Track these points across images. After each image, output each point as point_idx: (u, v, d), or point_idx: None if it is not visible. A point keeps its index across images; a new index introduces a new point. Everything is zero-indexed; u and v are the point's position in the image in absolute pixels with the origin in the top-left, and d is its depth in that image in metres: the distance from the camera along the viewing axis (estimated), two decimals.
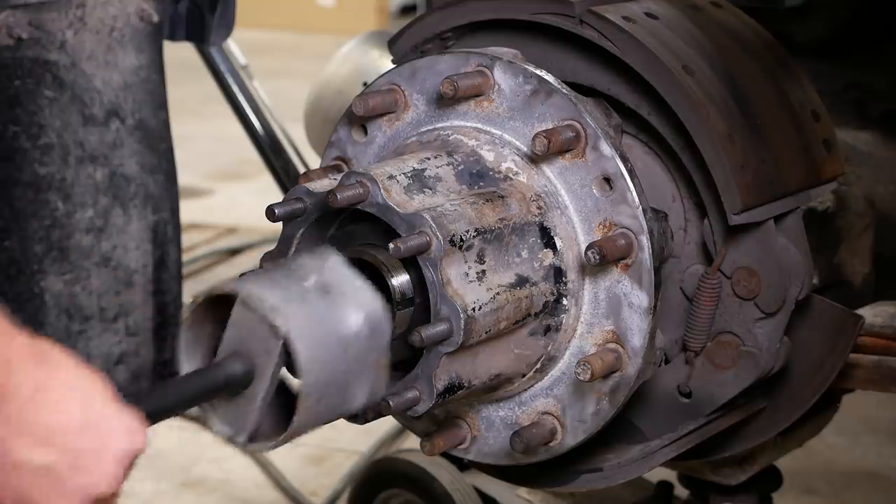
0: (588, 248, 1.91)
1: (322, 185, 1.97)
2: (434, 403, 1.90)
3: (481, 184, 1.98)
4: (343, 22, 11.08)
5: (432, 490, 3.14)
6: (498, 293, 1.91)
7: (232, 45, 3.83)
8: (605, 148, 1.95)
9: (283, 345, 1.63)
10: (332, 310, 1.67)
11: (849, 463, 4.36)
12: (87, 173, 2.85)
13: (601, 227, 1.97)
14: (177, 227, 3.01)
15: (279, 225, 1.99)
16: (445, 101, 2.04)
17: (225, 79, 3.89)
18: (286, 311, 1.63)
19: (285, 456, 4.44)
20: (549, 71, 2.01)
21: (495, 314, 1.90)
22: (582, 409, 2.01)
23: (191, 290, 5.77)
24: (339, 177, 1.94)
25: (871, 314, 2.29)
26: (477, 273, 1.90)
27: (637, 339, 1.97)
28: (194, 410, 1.78)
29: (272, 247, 2.03)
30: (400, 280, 1.89)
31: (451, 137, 2.04)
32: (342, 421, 1.98)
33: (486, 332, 1.90)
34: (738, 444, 2.22)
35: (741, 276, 2.04)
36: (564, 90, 1.99)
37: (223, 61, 3.89)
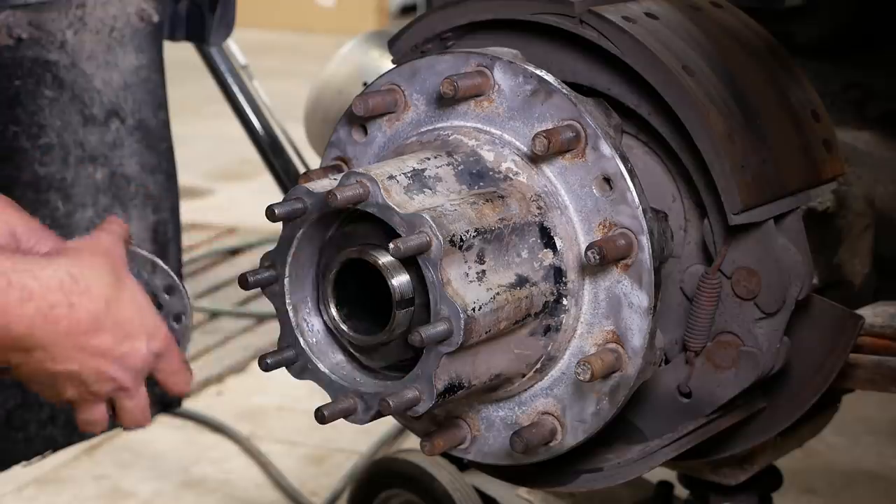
0: (588, 248, 1.91)
1: (322, 185, 1.97)
2: (434, 403, 1.90)
3: (481, 184, 1.98)
4: (343, 22, 11.08)
5: (432, 490, 3.14)
6: (498, 293, 1.91)
7: (232, 45, 3.83)
8: (605, 148, 1.95)
9: None
10: None
11: (849, 463, 4.37)
12: (87, 173, 2.85)
13: (601, 227, 1.97)
14: (177, 227, 3.01)
15: (279, 225, 1.99)
16: (445, 101, 2.04)
17: (225, 79, 3.89)
18: None
19: (285, 456, 4.44)
20: (549, 71, 2.01)
21: (495, 314, 1.90)
22: (582, 409, 2.01)
23: (191, 290, 5.79)
24: (339, 177, 1.94)
25: (871, 314, 2.29)
26: (477, 273, 1.90)
27: (637, 339, 1.97)
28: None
29: (272, 247, 2.03)
30: (400, 280, 1.89)
31: (451, 137, 2.04)
32: (342, 421, 1.99)
33: (486, 332, 1.90)
34: (738, 444, 2.21)
35: (741, 276, 2.04)
36: (564, 90, 1.98)
37: (223, 61, 3.88)
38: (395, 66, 2.13)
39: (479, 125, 2.04)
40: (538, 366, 2.01)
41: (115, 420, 1.93)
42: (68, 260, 1.76)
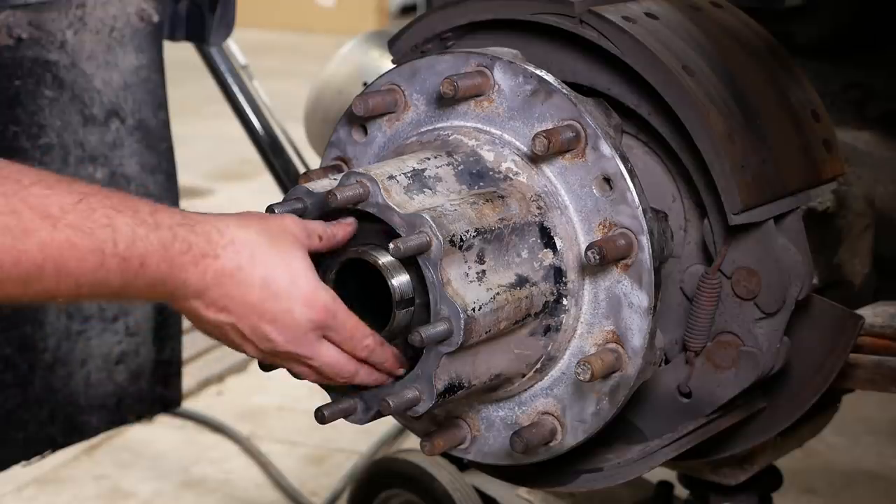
0: (588, 248, 1.91)
1: (322, 185, 1.97)
2: (434, 403, 1.90)
3: (481, 184, 1.98)
4: (343, 22, 11.08)
5: (432, 490, 3.14)
6: (498, 293, 1.91)
7: (232, 45, 3.83)
8: (605, 148, 1.95)
9: None
10: None
11: (849, 463, 4.37)
12: (87, 173, 2.85)
13: (601, 227, 1.97)
14: None
15: None
16: (445, 101, 2.04)
17: (225, 79, 3.89)
18: None
19: (285, 456, 4.44)
20: (549, 71, 2.01)
21: (495, 314, 1.90)
22: (582, 409, 2.01)
23: None
24: (339, 177, 1.94)
25: (871, 314, 2.29)
26: (477, 273, 1.90)
27: (637, 339, 1.97)
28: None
29: None
30: (400, 280, 1.89)
31: (451, 137, 2.04)
32: (342, 421, 1.99)
33: (486, 332, 1.90)
34: (738, 444, 2.22)
35: (741, 276, 2.04)
36: (564, 90, 1.98)
37: (223, 61, 3.88)
38: (395, 66, 2.13)
39: (479, 125, 2.04)
40: (538, 366, 2.01)
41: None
42: (219, 217, 1.84)
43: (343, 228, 1.92)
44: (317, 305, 1.85)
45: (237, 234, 1.82)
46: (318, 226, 1.91)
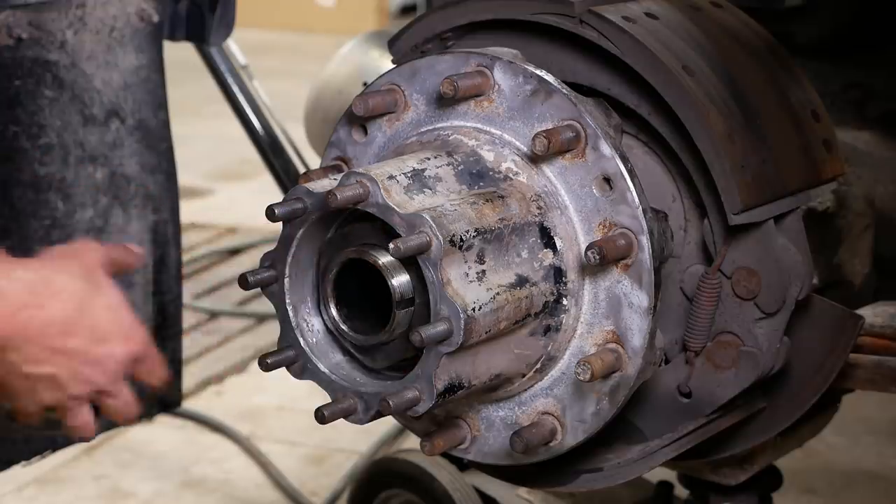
0: (588, 248, 1.91)
1: (322, 185, 1.97)
2: (434, 403, 1.90)
3: (481, 184, 1.98)
4: (343, 22, 11.08)
5: (432, 490, 3.14)
6: (498, 293, 1.91)
7: (232, 45, 3.83)
8: (605, 148, 1.95)
9: None
10: None
11: (849, 463, 4.37)
12: (87, 173, 2.85)
13: (601, 227, 1.97)
14: (177, 227, 3.01)
15: (279, 225, 1.99)
16: (445, 101, 2.04)
17: (225, 79, 3.89)
18: None
19: (285, 456, 4.44)
20: (549, 71, 2.01)
21: (495, 314, 1.90)
22: (582, 409, 2.01)
23: (191, 290, 5.77)
24: (339, 177, 1.94)
25: (871, 314, 2.29)
26: (477, 273, 1.90)
27: (637, 339, 1.97)
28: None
29: (272, 246, 2.03)
30: (400, 280, 1.89)
31: (451, 137, 2.04)
32: (342, 421, 1.99)
33: (486, 332, 1.90)
34: (738, 444, 2.21)
35: (741, 276, 2.04)
36: (564, 90, 1.99)
37: (223, 61, 3.88)
38: (395, 66, 2.13)
39: (479, 125, 2.04)
40: (538, 366, 2.01)
41: (104, 418, 1.93)
42: (40, 263, 1.79)
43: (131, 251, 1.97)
44: (136, 339, 1.87)
45: (62, 283, 1.78)
46: (117, 251, 1.95)
